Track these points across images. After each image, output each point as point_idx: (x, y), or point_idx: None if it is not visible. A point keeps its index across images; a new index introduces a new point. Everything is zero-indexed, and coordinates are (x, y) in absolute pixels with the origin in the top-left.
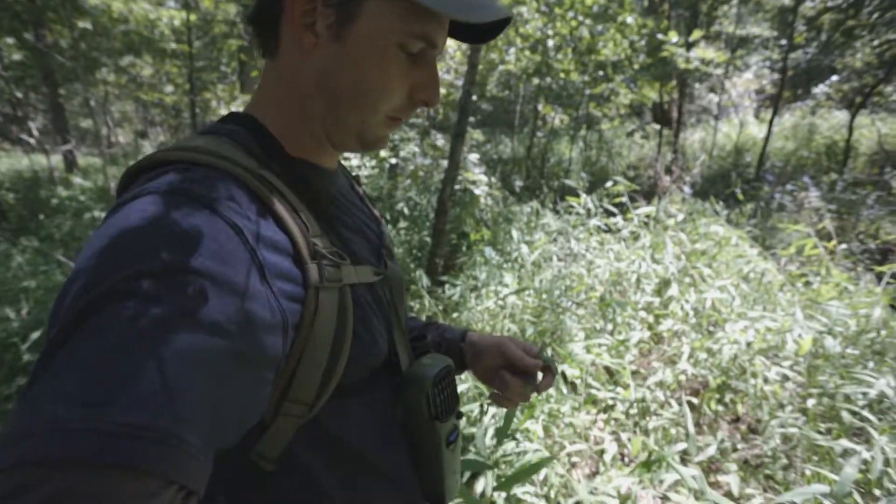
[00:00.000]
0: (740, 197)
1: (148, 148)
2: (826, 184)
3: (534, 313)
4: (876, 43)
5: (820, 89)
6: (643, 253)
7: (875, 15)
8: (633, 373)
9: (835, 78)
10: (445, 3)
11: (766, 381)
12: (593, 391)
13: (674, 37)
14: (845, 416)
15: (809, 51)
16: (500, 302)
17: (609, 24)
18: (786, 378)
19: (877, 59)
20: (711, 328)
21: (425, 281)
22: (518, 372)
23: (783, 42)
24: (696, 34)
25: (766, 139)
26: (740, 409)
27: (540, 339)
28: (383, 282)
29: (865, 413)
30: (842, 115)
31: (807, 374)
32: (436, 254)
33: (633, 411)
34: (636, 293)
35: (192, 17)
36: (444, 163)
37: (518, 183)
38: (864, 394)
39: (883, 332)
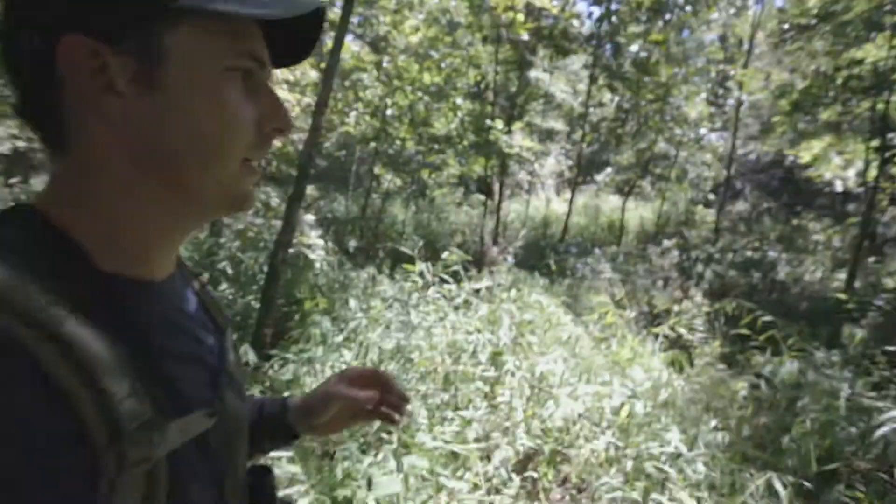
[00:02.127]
0: (554, 268)
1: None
2: (610, 254)
3: None
4: (636, 149)
5: (601, 177)
6: (480, 324)
7: (634, 128)
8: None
9: (609, 170)
10: (255, 3)
11: (588, 443)
12: (443, 479)
13: (499, 124)
14: (652, 472)
15: (594, 146)
16: None
17: (443, 101)
18: (609, 443)
19: (637, 161)
20: (542, 396)
21: (252, 356)
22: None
23: (575, 137)
24: (518, 125)
25: (568, 215)
26: (569, 471)
27: (384, 429)
28: (218, 423)
29: (667, 468)
30: (616, 199)
31: (622, 435)
32: (264, 323)
33: (481, 492)
34: (473, 364)
35: None
36: (277, 223)
37: (352, 243)
38: (664, 449)
39: (669, 390)
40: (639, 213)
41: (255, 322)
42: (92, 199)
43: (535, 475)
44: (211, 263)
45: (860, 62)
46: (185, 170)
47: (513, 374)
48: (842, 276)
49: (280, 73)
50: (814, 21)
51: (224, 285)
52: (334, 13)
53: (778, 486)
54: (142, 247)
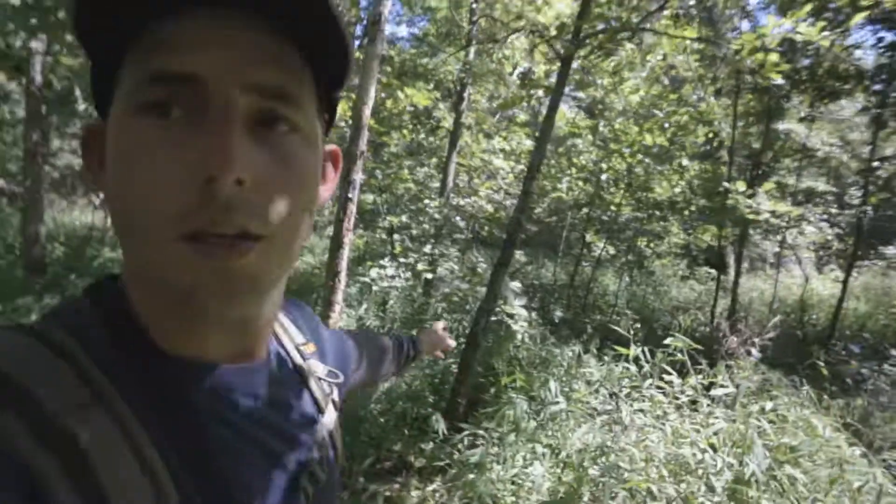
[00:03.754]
0: (825, 373)
1: None
2: None
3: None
4: None
5: (891, 250)
6: (716, 440)
7: None
8: None
9: None
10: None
11: None
12: None
13: (741, 186)
14: None
15: (883, 210)
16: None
17: (666, 164)
18: None
19: None
20: None
21: (442, 425)
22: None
23: (846, 197)
24: (767, 186)
25: (841, 299)
26: None
27: None
28: None
29: None
30: None
31: None
32: (459, 392)
33: None
34: (704, 493)
35: None
36: (482, 289)
37: (558, 313)
38: None
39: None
40: None
41: (451, 389)
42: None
43: None
44: (419, 321)
45: None
46: (126, 253)
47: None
48: None
49: (496, 143)
50: None
51: None
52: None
53: None
54: (181, 321)
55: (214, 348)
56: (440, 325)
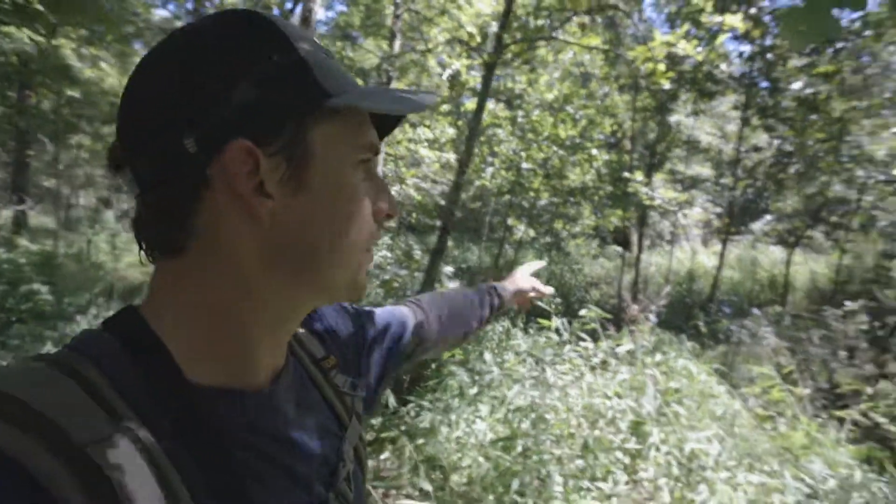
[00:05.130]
0: (704, 330)
1: (111, 217)
2: (773, 316)
3: (505, 448)
4: (802, 194)
5: (758, 226)
6: (620, 389)
7: (799, 171)
8: None
9: (768, 218)
10: (390, 101)
11: None
12: None
13: (639, 175)
14: None
15: (749, 193)
16: (469, 431)
17: (578, 153)
18: None
19: (804, 207)
20: (692, 478)
21: (392, 400)
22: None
23: (723, 181)
24: (659, 176)
25: (719, 269)
26: None
27: (525, 493)
28: None
29: None
30: (778, 251)
31: None
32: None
33: None
34: (612, 432)
35: None
36: (418, 275)
37: None
38: None
39: (865, 495)
40: (808, 268)
41: None
42: (202, 303)
43: None
44: None
45: None
46: (323, 265)
47: (657, 449)
48: None
49: (422, 133)
50: None
51: None
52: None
53: None
54: (243, 353)
55: (258, 376)
56: (527, 268)
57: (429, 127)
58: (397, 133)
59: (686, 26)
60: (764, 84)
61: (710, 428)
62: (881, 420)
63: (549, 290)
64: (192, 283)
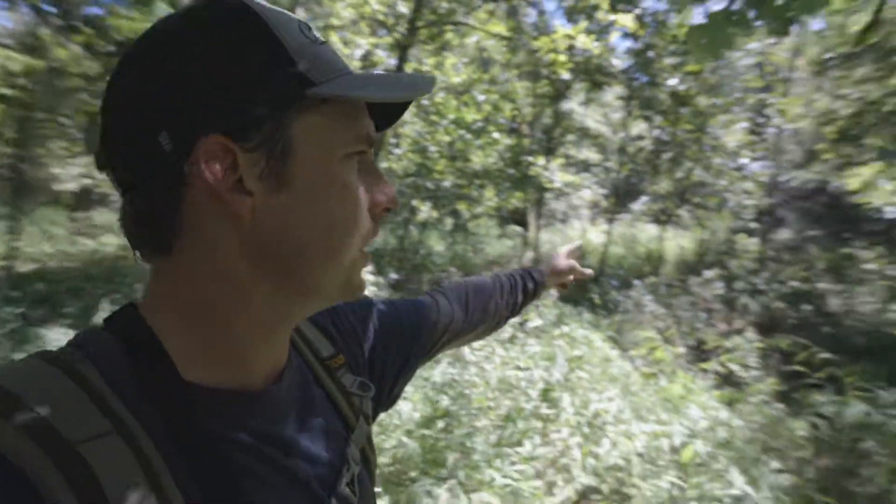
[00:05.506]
0: (597, 301)
1: None
2: (650, 286)
3: (425, 425)
4: (673, 178)
5: (636, 206)
6: (531, 361)
7: (671, 157)
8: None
9: (645, 199)
10: (380, 88)
11: (647, 482)
12: None
13: (540, 159)
14: None
15: (631, 176)
16: (392, 412)
17: (482, 137)
18: (672, 483)
19: (674, 190)
20: (597, 434)
21: None
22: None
23: (608, 165)
24: (556, 161)
25: (607, 246)
26: None
27: (451, 467)
28: None
29: None
30: (653, 228)
31: (683, 474)
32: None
33: None
34: (525, 400)
35: (38, 63)
36: None
37: (393, 275)
38: (728, 491)
39: (727, 430)
40: (677, 243)
41: None
42: (193, 303)
43: None
44: None
45: None
46: (310, 264)
47: (567, 411)
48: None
49: None
50: (857, 49)
51: None
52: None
53: None
54: (235, 354)
55: (256, 376)
56: (565, 249)
57: None
58: None
59: (585, 22)
60: (644, 78)
61: (608, 389)
62: (735, 368)
63: (589, 272)
64: (181, 282)
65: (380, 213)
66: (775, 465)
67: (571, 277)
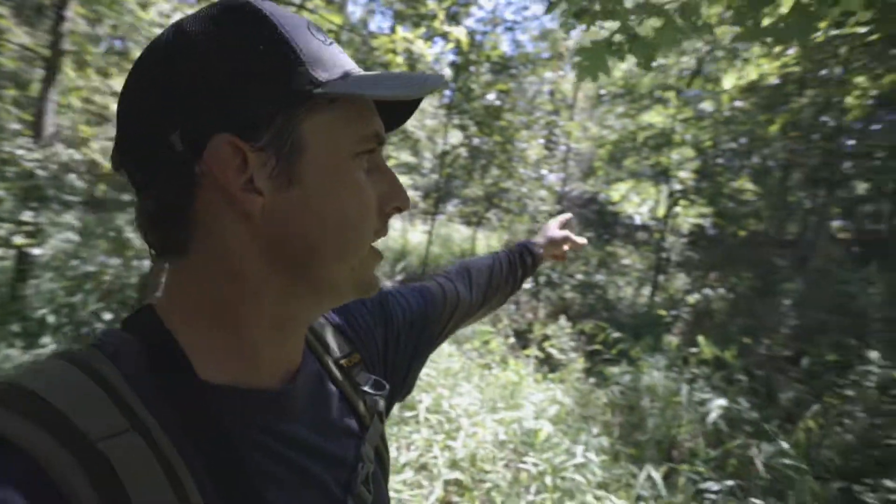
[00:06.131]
0: None
1: None
2: None
3: None
4: (484, 183)
5: (449, 208)
6: None
7: (482, 165)
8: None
9: (456, 201)
10: (388, 86)
11: (506, 467)
12: None
13: None
14: (562, 483)
15: (448, 180)
16: None
17: None
18: (534, 464)
19: (484, 194)
20: (451, 428)
21: None
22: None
23: (423, 170)
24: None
25: (429, 245)
26: (498, 499)
27: None
28: None
29: (576, 476)
30: (465, 229)
31: (536, 454)
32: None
33: None
34: None
35: None
36: (139, 263)
37: None
38: (572, 461)
39: (557, 406)
40: (486, 242)
41: None
42: (206, 302)
43: None
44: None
45: (652, 125)
46: (322, 262)
47: (422, 412)
48: (646, 291)
49: (115, 84)
50: (621, 91)
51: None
52: None
53: (656, 476)
54: (247, 353)
55: (271, 375)
56: (556, 221)
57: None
58: (73, 77)
59: (422, 28)
60: (464, 91)
61: (458, 385)
62: (552, 352)
63: (583, 240)
64: (195, 282)
65: (390, 212)
66: (595, 430)
67: (566, 247)
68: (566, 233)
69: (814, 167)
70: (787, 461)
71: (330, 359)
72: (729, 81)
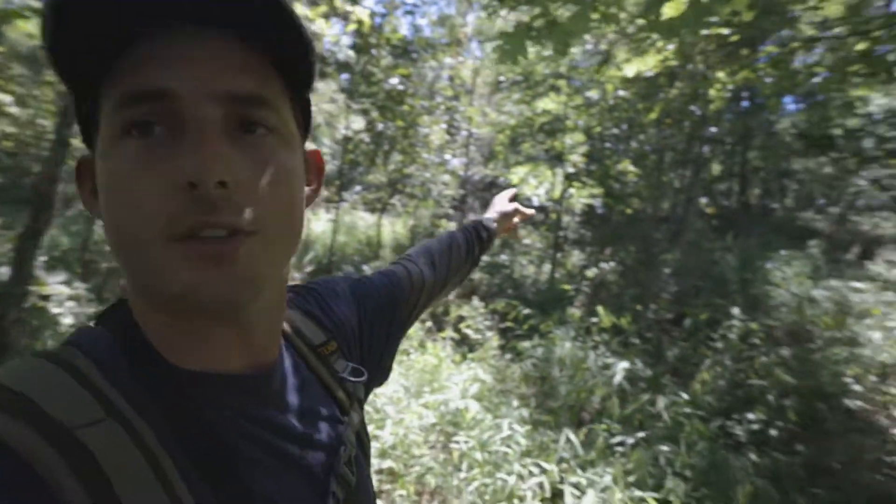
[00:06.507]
0: None
1: None
2: (375, 269)
3: None
4: (387, 169)
5: (351, 196)
6: None
7: (386, 150)
8: None
9: (359, 188)
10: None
11: (438, 449)
12: None
13: None
14: (490, 457)
15: (350, 167)
16: None
17: None
18: (465, 442)
19: (388, 181)
20: (378, 419)
21: None
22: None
23: (328, 155)
24: None
25: (335, 234)
26: (431, 481)
27: None
28: None
29: (503, 448)
30: (369, 216)
31: (464, 432)
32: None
33: None
34: None
35: None
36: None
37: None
38: (499, 435)
39: (478, 384)
40: (392, 229)
41: None
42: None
43: (403, 493)
44: None
45: (547, 112)
46: (126, 267)
47: None
48: (546, 268)
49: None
50: (519, 77)
51: None
52: None
53: (573, 438)
54: (208, 340)
55: (223, 358)
56: (504, 195)
57: None
58: None
59: (323, 7)
60: (364, 74)
61: None
62: (468, 332)
63: (531, 211)
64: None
65: (187, 189)
66: (515, 403)
67: (517, 219)
68: (515, 205)
69: (681, 151)
70: (680, 410)
71: (307, 347)
72: (631, 70)
